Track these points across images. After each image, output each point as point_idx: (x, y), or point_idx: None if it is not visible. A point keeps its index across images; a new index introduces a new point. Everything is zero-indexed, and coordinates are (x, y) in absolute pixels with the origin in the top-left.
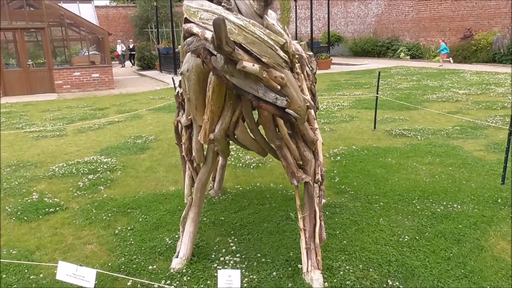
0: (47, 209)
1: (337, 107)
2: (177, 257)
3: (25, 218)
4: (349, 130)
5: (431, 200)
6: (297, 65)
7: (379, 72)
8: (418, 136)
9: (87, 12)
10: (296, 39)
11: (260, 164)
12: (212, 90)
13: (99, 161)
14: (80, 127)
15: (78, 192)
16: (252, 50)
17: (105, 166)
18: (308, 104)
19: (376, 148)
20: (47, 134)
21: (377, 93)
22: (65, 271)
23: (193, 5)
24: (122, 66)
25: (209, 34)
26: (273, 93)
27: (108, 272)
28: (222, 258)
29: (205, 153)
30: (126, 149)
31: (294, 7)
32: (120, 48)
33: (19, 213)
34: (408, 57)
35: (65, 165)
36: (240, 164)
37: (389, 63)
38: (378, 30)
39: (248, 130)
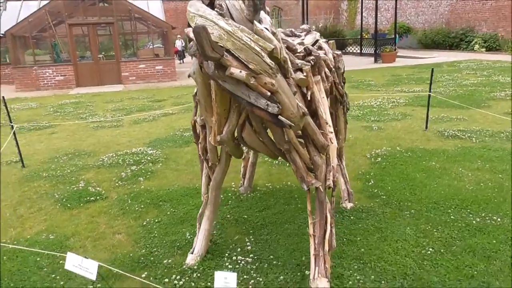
0: (88, 198)
1: (392, 104)
2: (192, 253)
3: (69, 205)
4: (398, 129)
5: (469, 210)
6: (307, 67)
7: (432, 69)
8: (473, 138)
9: (155, 7)
10: (362, 30)
11: None
12: (215, 93)
13: (144, 152)
14: (136, 118)
15: (119, 182)
16: (240, 57)
17: (149, 158)
18: (303, 111)
19: (422, 150)
20: (106, 124)
21: (430, 91)
22: (72, 262)
23: (192, 10)
24: (181, 63)
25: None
26: (265, 100)
27: (110, 267)
28: (235, 258)
29: (219, 153)
30: (172, 142)
31: None
32: (180, 44)
33: (64, 200)
34: (484, 49)
35: (114, 155)
36: (277, 162)
37: (461, 56)
38: (452, 20)
39: (256, 133)
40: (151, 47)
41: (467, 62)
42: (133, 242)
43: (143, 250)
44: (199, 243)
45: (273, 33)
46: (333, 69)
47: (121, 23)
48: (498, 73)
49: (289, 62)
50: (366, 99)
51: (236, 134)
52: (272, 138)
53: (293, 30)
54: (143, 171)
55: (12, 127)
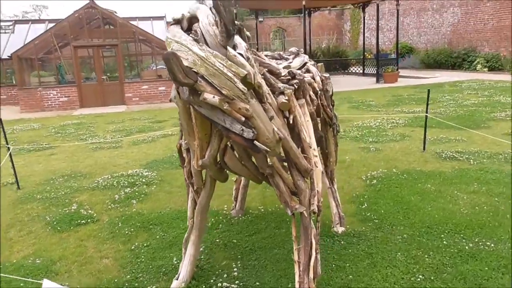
0: (79, 221)
1: (391, 125)
2: (177, 279)
3: (59, 228)
4: (396, 150)
5: (462, 235)
6: (289, 91)
7: (429, 90)
8: (471, 160)
9: (159, 28)
10: (364, 50)
11: None
12: (195, 117)
13: (140, 174)
14: (135, 140)
15: (112, 205)
16: (213, 82)
17: (144, 180)
18: (280, 136)
19: (418, 172)
20: (104, 145)
21: (427, 112)
22: None
23: (169, 36)
24: None
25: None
26: (239, 125)
27: None
28: (220, 284)
29: (204, 177)
30: (169, 163)
31: (363, 18)
32: None
33: (55, 222)
34: (486, 69)
35: (110, 177)
36: None
37: (463, 76)
38: (454, 40)
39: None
40: (155, 68)
41: (469, 82)
42: (120, 267)
43: (128, 276)
44: (184, 269)
45: (248, 59)
46: (321, 92)
47: (126, 45)
48: (500, 93)
49: (264, 87)
50: (366, 119)
51: (218, 158)
52: (255, 162)
53: (281, 53)
54: (136, 193)
55: (8, 148)
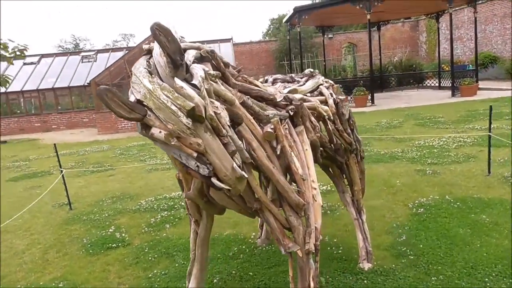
0: (111, 244)
1: (457, 144)
2: None
3: (91, 251)
4: (457, 174)
5: None
6: (275, 119)
7: (491, 106)
8: None
9: (226, 50)
10: (440, 62)
11: (328, 212)
12: None
13: (181, 197)
14: None
15: (146, 228)
16: (160, 116)
17: (183, 203)
18: (241, 174)
19: (475, 200)
20: (159, 167)
21: (490, 131)
22: None
23: (133, 67)
24: None
25: (132, 98)
26: (194, 160)
27: None
28: None
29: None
30: None
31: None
32: None
33: (89, 245)
34: None
35: (153, 199)
36: None
37: None
38: None
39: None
40: None
41: None
42: None
43: None
44: None
45: (206, 89)
46: (334, 116)
47: None
48: None
49: (220, 120)
50: (429, 138)
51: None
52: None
53: (293, 75)
54: (171, 217)
55: (61, 171)
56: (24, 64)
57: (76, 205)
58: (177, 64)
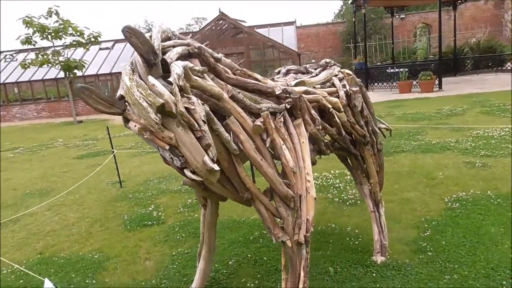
0: (147, 222)
1: None
2: None
3: (129, 227)
4: (509, 168)
5: None
6: (264, 113)
7: None
8: None
9: (289, 33)
10: None
11: (359, 202)
12: None
13: None
14: None
15: (182, 208)
16: (135, 112)
17: None
18: (212, 167)
19: None
20: None
21: None
22: None
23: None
24: None
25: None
26: (168, 152)
27: None
28: None
29: None
30: None
31: None
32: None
33: (128, 221)
34: None
35: None
36: (337, 199)
37: None
38: None
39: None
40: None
41: None
42: (155, 270)
43: (154, 281)
44: (196, 282)
45: (181, 86)
46: (344, 108)
47: (253, 52)
48: None
49: (193, 115)
50: (490, 128)
51: None
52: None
53: (307, 66)
54: None
55: (113, 151)
56: (100, 49)
57: (127, 183)
58: (150, 63)
